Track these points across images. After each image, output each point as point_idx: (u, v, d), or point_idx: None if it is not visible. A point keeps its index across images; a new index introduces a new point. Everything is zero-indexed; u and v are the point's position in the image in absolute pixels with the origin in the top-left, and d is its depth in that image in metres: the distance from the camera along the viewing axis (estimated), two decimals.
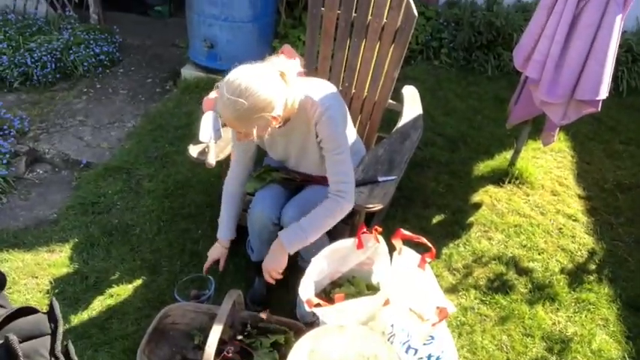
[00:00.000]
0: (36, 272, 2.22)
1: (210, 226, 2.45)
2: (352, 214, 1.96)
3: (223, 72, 3.89)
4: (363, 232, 1.76)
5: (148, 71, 3.93)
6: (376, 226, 1.77)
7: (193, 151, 2.06)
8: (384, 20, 2.22)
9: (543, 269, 2.34)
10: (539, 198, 2.76)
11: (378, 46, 2.26)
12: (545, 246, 2.47)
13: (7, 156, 2.83)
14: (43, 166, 2.97)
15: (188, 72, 3.72)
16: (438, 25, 4.15)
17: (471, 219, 2.60)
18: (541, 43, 2.19)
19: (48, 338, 0.80)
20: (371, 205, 1.77)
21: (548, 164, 3.04)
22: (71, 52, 3.73)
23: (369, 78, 2.31)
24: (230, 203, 1.96)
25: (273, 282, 1.79)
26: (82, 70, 3.73)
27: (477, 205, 2.68)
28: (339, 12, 2.29)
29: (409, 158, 2.00)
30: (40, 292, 2.13)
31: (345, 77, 2.37)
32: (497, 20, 3.87)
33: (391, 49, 2.23)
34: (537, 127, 2.77)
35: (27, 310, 0.83)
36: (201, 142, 2.09)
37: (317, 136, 1.70)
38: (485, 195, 2.75)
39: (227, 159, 2.09)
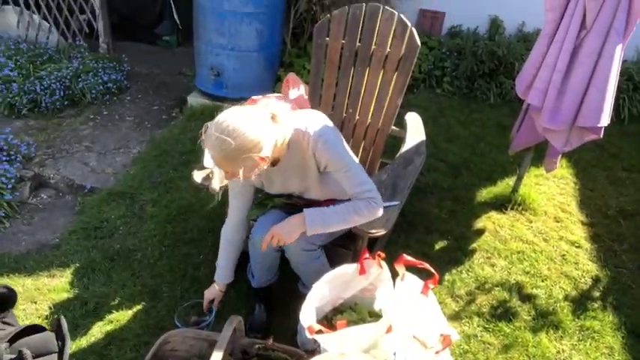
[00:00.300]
0: (35, 297, 2.21)
1: (212, 251, 2.44)
2: (355, 240, 1.96)
3: (229, 100, 3.98)
4: (366, 258, 1.75)
5: (154, 99, 3.99)
6: (379, 252, 1.76)
7: (197, 176, 2.07)
8: (388, 49, 2.26)
9: (547, 296, 2.31)
10: (542, 224, 2.75)
11: (381, 74, 2.29)
12: (548, 273, 2.44)
13: (13, 181, 2.85)
14: (47, 191, 2.99)
15: (194, 99, 3.77)
16: (441, 55, 4.22)
17: (474, 245, 2.58)
18: (542, 71, 2.22)
19: (55, 356, 0.80)
20: (374, 231, 1.77)
21: (551, 191, 3.04)
22: (80, 79, 3.80)
23: (373, 105, 2.34)
24: (228, 250, 1.96)
25: (267, 246, 1.71)
26: (90, 98, 3.79)
27: (480, 232, 2.67)
28: (343, 42, 2.34)
29: (412, 184, 2.01)
30: (39, 317, 2.12)
31: (349, 104, 2.40)
32: (499, 50, 3.93)
33: (394, 77, 2.26)
34: (540, 153, 2.78)
35: (35, 329, 0.84)
36: (205, 168, 2.11)
37: (319, 166, 1.70)
38: (488, 221, 2.74)
39: None
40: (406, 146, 2.19)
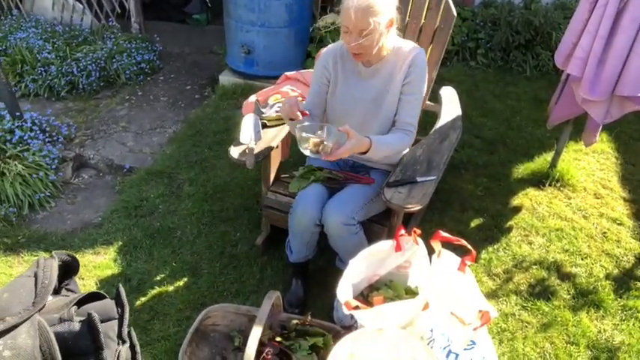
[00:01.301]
0: (82, 274, 2.31)
1: (248, 228, 2.50)
2: (390, 216, 1.97)
3: (260, 77, 3.97)
4: (401, 235, 1.75)
5: (187, 78, 4.03)
6: (415, 229, 1.76)
7: (234, 152, 2.10)
8: (423, 21, 2.21)
9: (587, 275, 2.27)
10: (581, 201, 2.68)
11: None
12: (588, 251, 2.39)
13: (56, 162, 2.96)
14: (88, 171, 3.09)
15: (226, 78, 3.79)
16: (475, 26, 4.09)
17: (511, 223, 2.54)
18: (583, 38, 2.14)
19: (115, 322, 0.85)
20: (410, 206, 1.76)
21: (591, 166, 2.95)
22: (114, 60, 3.87)
23: None
24: None
25: (322, 155, 1.71)
26: (125, 78, 3.86)
27: (517, 209, 2.63)
28: None
29: (448, 159, 1.98)
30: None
31: None
32: (535, 19, 3.79)
33: (429, 49, 2.22)
34: (579, 127, 2.69)
35: (96, 296, 0.89)
36: (241, 144, 2.13)
37: (404, 80, 1.82)
38: (525, 198, 2.69)
39: (266, 160, 2.13)
40: (441, 121, 2.15)
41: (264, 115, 2.16)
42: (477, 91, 3.68)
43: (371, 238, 1.94)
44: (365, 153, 1.76)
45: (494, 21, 4.06)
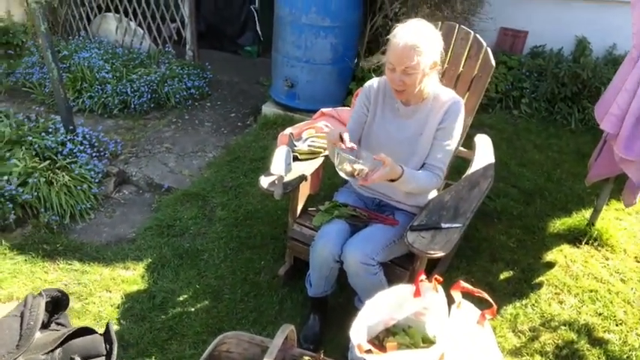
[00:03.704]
0: (110, 287, 2.38)
1: (273, 257, 2.52)
2: (413, 260, 1.95)
3: (300, 111, 4.04)
4: (422, 280, 1.72)
5: (232, 106, 4.18)
6: (436, 275, 1.73)
7: (264, 182, 2.14)
8: (461, 69, 2.23)
9: (621, 342, 2.15)
10: (620, 263, 2.56)
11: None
12: (624, 317, 2.27)
13: (100, 176, 3.11)
14: (129, 188, 3.22)
15: (268, 109, 3.91)
16: (520, 75, 4.07)
17: (542, 279, 2.46)
18: (620, 96, 2.09)
19: (103, 359, 0.86)
20: (432, 252, 1.74)
21: (633, 227, 2.82)
22: (166, 84, 4.07)
23: None
24: None
25: (357, 178, 1.75)
26: (174, 102, 4.05)
27: (550, 265, 2.54)
28: None
29: (476, 207, 1.96)
30: (112, 305, 2.28)
31: None
32: (583, 72, 3.73)
33: (466, 96, 2.22)
34: (620, 185, 2.60)
35: (85, 331, 0.90)
36: (271, 174, 2.18)
37: (438, 125, 1.86)
38: (560, 254, 2.60)
39: (295, 192, 2.16)
40: (473, 168, 2.14)
41: (296, 148, 2.21)
42: (518, 140, 3.63)
43: (391, 281, 1.93)
44: (394, 180, 1.78)
45: (540, 71, 4.03)
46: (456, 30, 2.22)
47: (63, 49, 4.41)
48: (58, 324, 0.99)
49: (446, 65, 2.27)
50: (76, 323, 2.17)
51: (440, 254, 1.76)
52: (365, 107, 2.00)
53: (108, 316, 2.24)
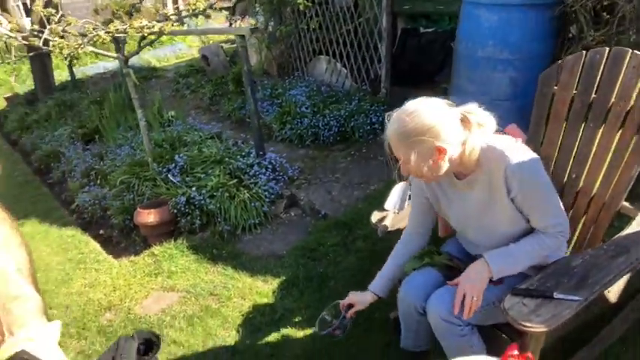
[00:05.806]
0: (246, 295, 2.62)
1: (394, 300, 2.38)
2: (523, 333, 1.59)
3: None
4: (512, 355, 1.40)
5: None
6: (529, 354, 1.38)
7: (374, 216, 2.09)
8: (631, 103, 1.76)
9: None
10: None
11: (618, 134, 1.80)
12: None
13: (273, 196, 3.47)
14: (296, 210, 3.50)
15: None
16: None
17: None
18: None
19: None
20: (528, 324, 1.40)
21: None
22: (352, 119, 4.30)
23: (603, 172, 1.85)
24: (390, 261, 1.90)
25: (467, 310, 1.53)
26: (357, 136, 4.24)
27: None
28: (574, 92, 1.94)
29: (615, 282, 1.49)
30: (240, 312, 2.51)
31: (572, 168, 1.96)
32: None
33: (635, 138, 1.74)
34: None
35: None
36: (384, 210, 2.10)
37: (509, 190, 1.50)
38: None
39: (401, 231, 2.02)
40: (629, 229, 1.63)
41: None
42: None
43: (492, 349, 1.61)
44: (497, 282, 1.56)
45: None
46: (628, 56, 1.76)
47: (279, 87, 5.11)
48: None
49: (612, 100, 1.81)
50: (207, 322, 2.47)
51: (539, 329, 1.40)
52: (422, 196, 1.74)
53: (233, 320, 2.47)
